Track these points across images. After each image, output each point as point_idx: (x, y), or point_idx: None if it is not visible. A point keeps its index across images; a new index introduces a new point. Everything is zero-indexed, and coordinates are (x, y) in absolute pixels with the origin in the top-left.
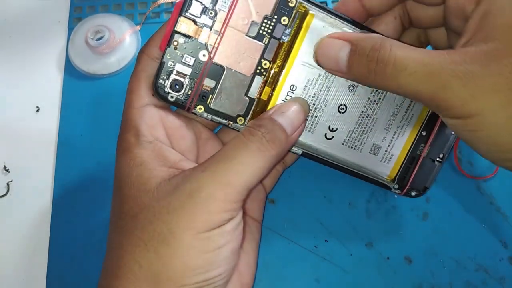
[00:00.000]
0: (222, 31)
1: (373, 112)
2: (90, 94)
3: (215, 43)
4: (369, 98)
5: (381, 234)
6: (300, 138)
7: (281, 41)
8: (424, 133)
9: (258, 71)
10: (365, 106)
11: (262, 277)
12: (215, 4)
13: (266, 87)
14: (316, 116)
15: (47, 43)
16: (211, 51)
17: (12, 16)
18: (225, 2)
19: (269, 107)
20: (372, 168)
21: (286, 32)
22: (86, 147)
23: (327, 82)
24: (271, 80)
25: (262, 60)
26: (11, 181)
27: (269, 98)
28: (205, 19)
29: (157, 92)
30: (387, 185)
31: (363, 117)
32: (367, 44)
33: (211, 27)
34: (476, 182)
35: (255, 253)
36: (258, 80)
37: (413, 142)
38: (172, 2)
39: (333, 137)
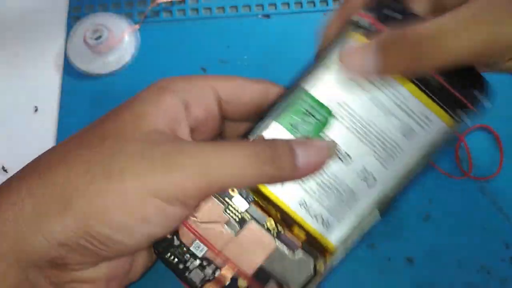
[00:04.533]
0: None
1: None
2: (89, 94)
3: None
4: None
5: (383, 234)
6: None
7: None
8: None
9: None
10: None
11: None
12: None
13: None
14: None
15: (45, 43)
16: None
17: (10, 15)
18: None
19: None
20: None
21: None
22: None
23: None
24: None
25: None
26: None
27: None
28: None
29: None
30: None
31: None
32: (393, 35)
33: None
34: (478, 182)
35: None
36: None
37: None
38: (171, 1)
39: None
